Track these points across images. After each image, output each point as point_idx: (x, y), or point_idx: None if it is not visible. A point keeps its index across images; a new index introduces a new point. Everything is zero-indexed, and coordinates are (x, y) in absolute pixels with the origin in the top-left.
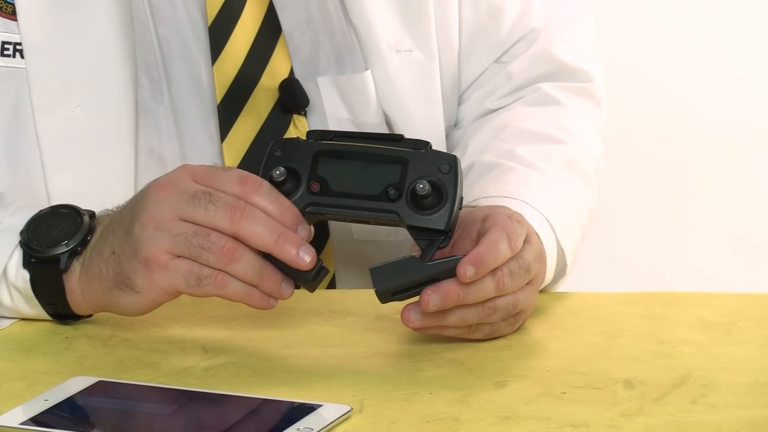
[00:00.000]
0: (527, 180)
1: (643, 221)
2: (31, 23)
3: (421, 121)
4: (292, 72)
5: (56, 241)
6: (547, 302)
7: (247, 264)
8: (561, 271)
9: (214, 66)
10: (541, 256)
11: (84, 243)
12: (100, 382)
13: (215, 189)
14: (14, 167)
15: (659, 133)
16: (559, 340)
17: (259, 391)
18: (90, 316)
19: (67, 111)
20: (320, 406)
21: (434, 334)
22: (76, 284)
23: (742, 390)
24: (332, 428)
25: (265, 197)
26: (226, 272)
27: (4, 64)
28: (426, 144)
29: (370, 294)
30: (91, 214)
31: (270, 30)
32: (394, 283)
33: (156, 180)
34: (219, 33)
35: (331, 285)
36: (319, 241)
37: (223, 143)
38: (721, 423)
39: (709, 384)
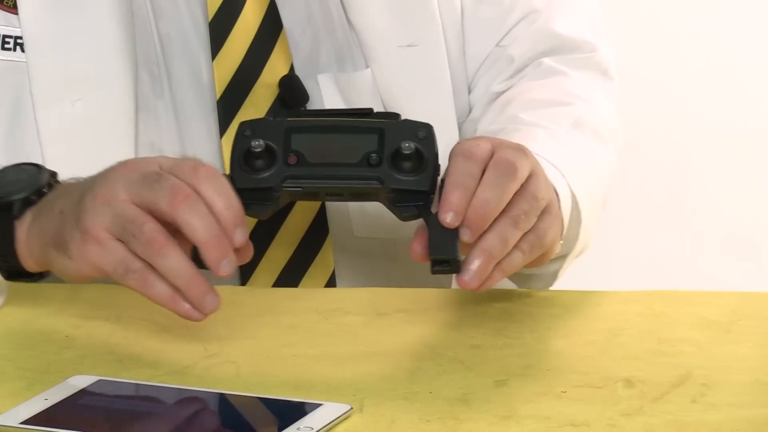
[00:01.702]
0: (532, 135)
1: (643, 220)
2: (32, 17)
3: (430, 116)
4: (292, 69)
5: (13, 189)
6: (548, 301)
7: (174, 263)
8: (576, 225)
9: (215, 62)
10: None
11: (39, 194)
12: (100, 381)
13: (170, 173)
14: (14, 161)
15: (660, 133)
16: (559, 339)
17: (259, 391)
18: (42, 278)
19: (68, 105)
20: (320, 405)
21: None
22: (25, 234)
23: (743, 389)
24: (332, 427)
25: (215, 188)
26: (154, 270)
27: (5, 58)
28: (397, 115)
29: (370, 292)
30: (53, 173)
31: (271, 27)
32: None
33: (127, 159)
34: (219, 29)
35: (331, 283)
36: (318, 239)
37: (223, 138)
38: (721, 422)
39: (710, 383)
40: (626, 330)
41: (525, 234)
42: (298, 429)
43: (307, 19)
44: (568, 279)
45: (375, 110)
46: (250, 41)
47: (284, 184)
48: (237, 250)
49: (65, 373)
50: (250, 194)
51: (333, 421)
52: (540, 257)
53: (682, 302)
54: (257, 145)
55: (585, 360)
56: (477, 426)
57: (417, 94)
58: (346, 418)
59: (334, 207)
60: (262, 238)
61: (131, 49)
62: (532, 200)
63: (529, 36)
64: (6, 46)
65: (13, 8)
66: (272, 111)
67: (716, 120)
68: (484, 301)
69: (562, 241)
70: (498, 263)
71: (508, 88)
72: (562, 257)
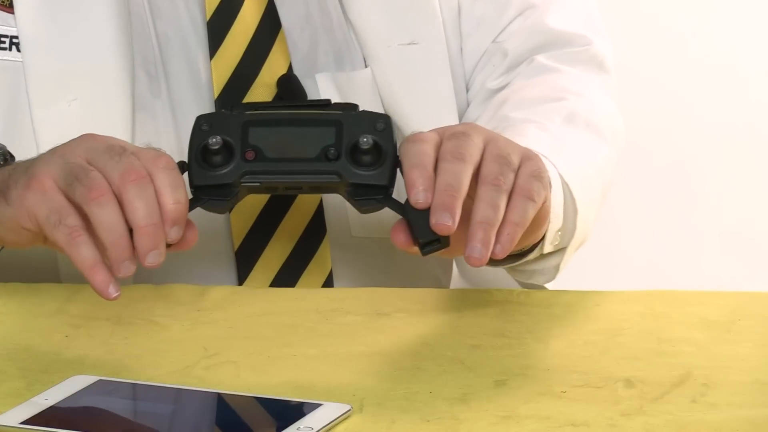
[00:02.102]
0: (522, 130)
1: (643, 220)
2: (28, 16)
3: (430, 114)
4: (290, 68)
5: None
6: (547, 301)
7: (110, 215)
8: (573, 215)
9: (213, 61)
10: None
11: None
12: (100, 381)
13: (133, 154)
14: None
15: (660, 133)
16: (558, 338)
17: (259, 391)
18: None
19: (64, 105)
20: (320, 405)
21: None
22: None
23: (743, 389)
24: (332, 427)
25: (169, 180)
26: (86, 231)
27: (1, 57)
28: (355, 106)
29: (369, 292)
30: (8, 153)
31: (269, 26)
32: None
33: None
34: (218, 28)
35: (329, 282)
36: (315, 238)
37: None
38: (721, 422)
39: (710, 383)
40: (626, 330)
41: (512, 192)
42: (298, 429)
43: (306, 19)
44: (568, 279)
45: (333, 102)
46: (249, 40)
47: (242, 180)
48: (173, 245)
49: (65, 373)
50: (208, 190)
51: (333, 421)
52: (538, 221)
53: (682, 302)
54: (215, 142)
55: (585, 360)
56: (477, 426)
57: (417, 92)
58: (346, 418)
59: (331, 206)
60: (259, 236)
61: (128, 49)
62: (499, 159)
63: (523, 30)
64: (2, 46)
65: (9, 7)
66: (229, 103)
67: (716, 120)
68: (484, 301)
69: (559, 230)
70: (501, 227)
71: (503, 86)
72: (562, 250)
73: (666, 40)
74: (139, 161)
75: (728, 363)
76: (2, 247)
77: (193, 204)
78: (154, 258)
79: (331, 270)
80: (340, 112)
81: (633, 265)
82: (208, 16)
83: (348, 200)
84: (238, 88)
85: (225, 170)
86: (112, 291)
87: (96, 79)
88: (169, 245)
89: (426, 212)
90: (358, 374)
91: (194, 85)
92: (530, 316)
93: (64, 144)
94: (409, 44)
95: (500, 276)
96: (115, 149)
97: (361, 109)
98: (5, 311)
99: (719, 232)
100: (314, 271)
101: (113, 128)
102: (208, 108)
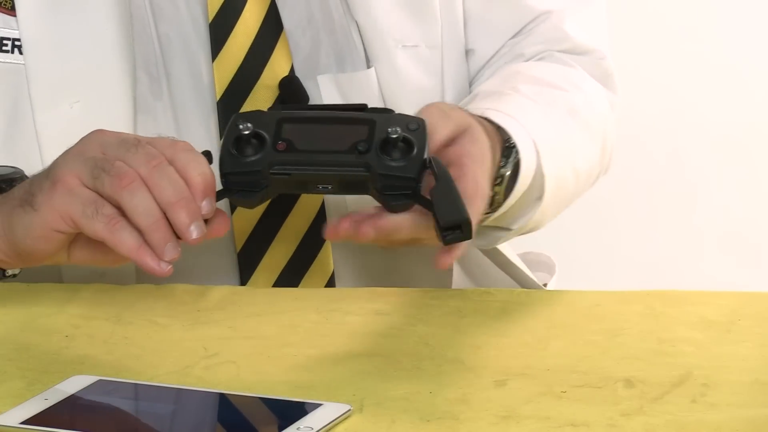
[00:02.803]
0: (525, 105)
1: (643, 220)
2: (30, 19)
3: None
4: (292, 70)
5: None
6: (547, 301)
7: (143, 201)
8: (533, 202)
9: (215, 63)
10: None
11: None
12: (100, 381)
13: (148, 144)
14: (13, 164)
15: (660, 132)
16: (559, 338)
17: (259, 391)
18: (13, 276)
19: (66, 107)
20: (320, 405)
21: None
22: None
23: (743, 389)
24: (332, 428)
25: (190, 158)
26: (124, 217)
27: (3, 60)
28: (391, 111)
29: (370, 292)
30: (21, 174)
31: (271, 27)
32: None
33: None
34: (220, 30)
35: (331, 284)
36: (318, 239)
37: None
38: (722, 422)
39: (710, 383)
40: (626, 330)
41: None
42: (297, 429)
43: (308, 20)
44: (568, 279)
45: (370, 106)
46: (251, 42)
47: (272, 170)
48: (209, 222)
49: (65, 373)
50: (238, 180)
51: (333, 421)
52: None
53: (682, 302)
54: (246, 127)
55: (585, 360)
56: (477, 426)
57: (420, 94)
58: (345, 418)
59: (333, 207)
60: (262, 238)
61: (129, 51)
62: None
63: (541, 35)
64: (4, 48)
65: (11, 10)
66: (273, 107)
67: (716, 120)
68: (484, 301)
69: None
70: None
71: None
72: (506, 229)
73: (666, 40)
74: (156, 149)
75: (728, 363)
76: (19, 272)
77: (222, 194)
78: (195, 231)
79: (333, 272)
80: (375, 114)
81: (633, 265)
82: (211, 18)
83: (378, 199)
84: (239, 90)
85: (254, 158)
86: (164, 266)
87: (98, 82)
88: (205, 221)
89: (449, 202)
90: (358, 374)
91: (196, 87)
92: (530, 316)
93: (78, 144)
94: (413, 47)
95: (501, 276)
96: (129, 141)
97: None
98: (5, 311)
99: (719, 232)
100: (316, 273)
101: (115, 130)
102: (209, 110)
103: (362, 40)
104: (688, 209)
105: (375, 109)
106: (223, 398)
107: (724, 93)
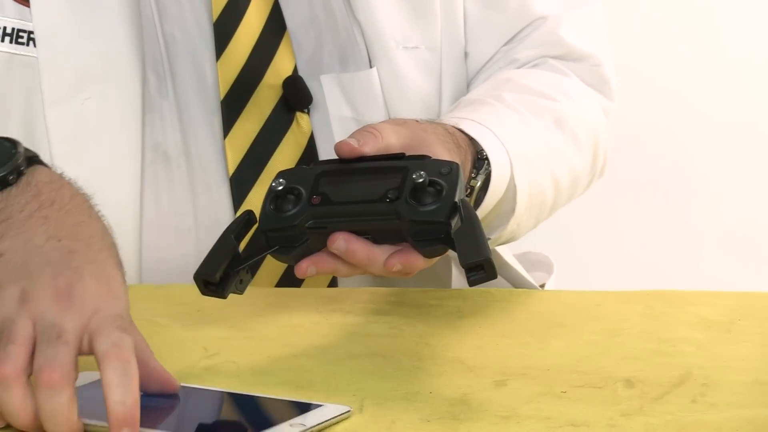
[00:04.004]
0: (504, 115)
1: (643, 220)
2: (44, 11)
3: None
4: (296, 69)
5: None
6: (547, 301)
7: (14, 400)
8: (507, 213)
9: (219, 62)
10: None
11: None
12: (100, 379)
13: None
14: None
15: (660, 132)
16: (559, 338)
17: (260, 390)
18: None
19: (78, 103)
20: (320, 406)
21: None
22: None
23: (743, 389)
24: (326, 427)
25: (118, 373)
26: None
27: (18, 52)
28: (426, 157)
29: (370, 292)
30: (31, 155)
31: (275, 27)
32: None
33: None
34: (224, 29)
35: (333, 284)
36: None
37: (226, 139)
38: (722, 422)
39: (710, 383)
40: (626, 330)
41: None
42: (291, 425)
43: (310, 20)
44: (569, 279)
45: (408, 154)
46: (255, 42)
47: (308, 225)
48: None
49: None
50: (277, 237)
51: (328, 420)
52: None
53: (683, 302)
54: (279, 183)
55: (585, 360)
56: (477, 426)
57: (419, 95)
58: (344, 419)
59: None
60: None
61: (140, 50)
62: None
63: (535, 39)
64: (20, 40)
65: (27, 1)
66: (316, 162)
67: (716, 120)
68: (485, 301)
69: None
70: None
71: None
72: None
73: (666, 40)
74: (69, 354)
75: (728, 363)
76: None
77: (263, 251)
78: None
79: None
80: (409, 161)
81: (633, 265)
82: (215, 18)
83: (413, 246)
84: (243, 89)
85: (290, 213)
86: None
87: (109, 79)
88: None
89: (471, 242)
90: (358, 374)
91: (200, 87)
92: (530, 316)
93: (36, 276)
94: (413, 48)
95: (501, 275)
96: (54, 329)
97: (371, 116)
98: None
99: (719, 232)
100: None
101: (124, 129)
102: (213, 109)
103: (364, 41)
104: (688, 209)
105: (412, 157)
106: (223, 396)
107: (724, 93)
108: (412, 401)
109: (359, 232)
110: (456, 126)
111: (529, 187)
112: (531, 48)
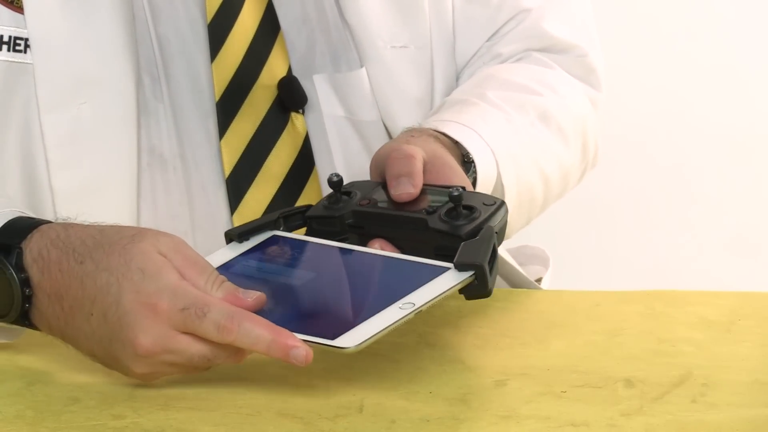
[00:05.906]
0: (486, 114)
1: (643, 220)
2: (37, 17)
3: (420, 117)
4: (290, 70)
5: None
6: (548, 301)
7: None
8: None
9: (213, 64)
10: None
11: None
12: (273, 236)
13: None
14: (23, 164)
15: (660, 133)
16: (559, 338)
17: (260, 390)
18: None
19: (74, 108)
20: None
21: None
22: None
23: (743, 389)
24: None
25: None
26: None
27: (15, 60)
28: (499, 201)
29: None
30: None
31: (269, 28)
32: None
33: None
34: (218, 31)
35: None
36: None
37: (222, 141)
38: (722, 422)
39: (710, 383)
40: (626, 330)
41: None
42: (400, 308)
43: (302, 19)
44: (569, 279)
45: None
46: (249, 43)
47: (348, 221)
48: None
49: (65, 372)
50: (319, 226)
51: (443, 293)
52: None
53: (682, 302)
54: (334, 174)
55: (585, 360)
56: (477, 426)
57: (409, 94)
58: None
59: None
60: None
61: (134, 53)
62: None
63: (519, 33)
64: (17, 47)
65: (21, 8)
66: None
67: (716, 120)
68: (485, 301)
69: None
70: None
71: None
72: None
73: (666, 41)
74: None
75: (728, 363)
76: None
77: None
78: (299, 356)
79: None
80: (466, 192)
81: (633, 265)
82: (209, 19)
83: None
84: (238, 90)
85: (336, 207)
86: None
87: (105, 83)
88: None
89: (473, 250)
90: (358, 374)
91: (194, 89)
92: (530, 316)
93: (140, 297)
94: (401, 47)
95: (501, 275)
96: (190, 310)
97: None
98: None
99: (719, 232)
100: None
101: (120, 132)
102: (208, 111)
103: (353, 41)
104: (688, 209)
105: (469, 192)
106: (365, 256)
107: (724, 93)
108: (412, 401)
109: (394, 241)
110: (440, 130)
111: (517, 186)
112: (514, 42)
